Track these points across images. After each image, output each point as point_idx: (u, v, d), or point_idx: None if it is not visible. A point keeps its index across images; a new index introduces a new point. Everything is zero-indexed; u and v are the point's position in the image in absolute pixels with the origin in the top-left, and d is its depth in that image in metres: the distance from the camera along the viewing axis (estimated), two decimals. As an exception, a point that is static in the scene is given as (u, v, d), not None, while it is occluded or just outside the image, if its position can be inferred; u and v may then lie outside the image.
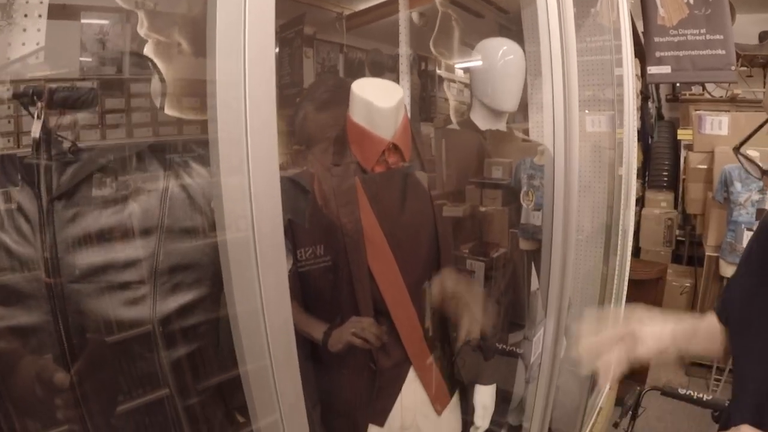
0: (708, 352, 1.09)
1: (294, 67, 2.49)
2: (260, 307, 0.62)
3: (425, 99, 2.81)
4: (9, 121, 1.07)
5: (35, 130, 0.71)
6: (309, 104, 1.15)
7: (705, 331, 1.07)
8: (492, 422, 1.69)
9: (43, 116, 0.72)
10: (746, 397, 0.95)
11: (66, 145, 0.75)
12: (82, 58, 1.26)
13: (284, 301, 0.65)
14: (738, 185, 3.07)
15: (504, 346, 1.68)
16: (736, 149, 1.00)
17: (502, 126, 1.49)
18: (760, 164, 0.95)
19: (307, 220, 1.03)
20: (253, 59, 0.57)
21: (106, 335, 0.72)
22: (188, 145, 0.80)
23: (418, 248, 1.23)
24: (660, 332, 1.02)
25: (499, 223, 2.13)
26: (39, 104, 0.72)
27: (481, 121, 1.44)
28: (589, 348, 1.00)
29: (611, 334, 1.01)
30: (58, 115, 0.74)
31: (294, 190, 0.95)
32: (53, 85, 0.73)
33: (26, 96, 0.72)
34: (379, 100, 1.05)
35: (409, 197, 1.19)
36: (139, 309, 0.74)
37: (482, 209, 2.19)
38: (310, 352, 1.21)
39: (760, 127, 1.07)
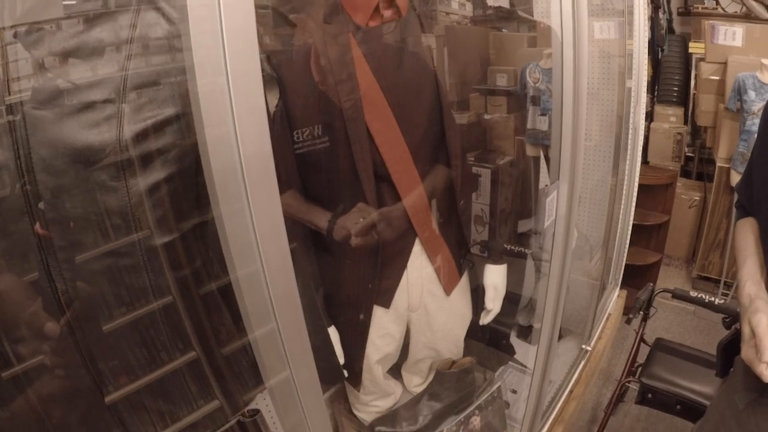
0: None
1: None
2: (248, 209, 0.58)
3: (425, 13, 2.70)
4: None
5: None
6: None
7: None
8: (500, 323, 1.67)
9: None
10: None
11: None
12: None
13: (274, 200, 0.60)
14: (752, 93, 2.96)
15: (512, 247, 1.65)
16: None
17: (504, 2, 1.41)
18: None
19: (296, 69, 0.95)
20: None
21: (73, 164, 0.67)
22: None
23: (419, 106, 1.16)
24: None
25: (504, 129, 2.08)
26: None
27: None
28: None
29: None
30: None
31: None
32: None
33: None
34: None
35: (408, 53, 1.12)
36: (107, 129, 0.69)
37: (487, 117, 2.13)
38: (310, 233, 1.17)
39: None
